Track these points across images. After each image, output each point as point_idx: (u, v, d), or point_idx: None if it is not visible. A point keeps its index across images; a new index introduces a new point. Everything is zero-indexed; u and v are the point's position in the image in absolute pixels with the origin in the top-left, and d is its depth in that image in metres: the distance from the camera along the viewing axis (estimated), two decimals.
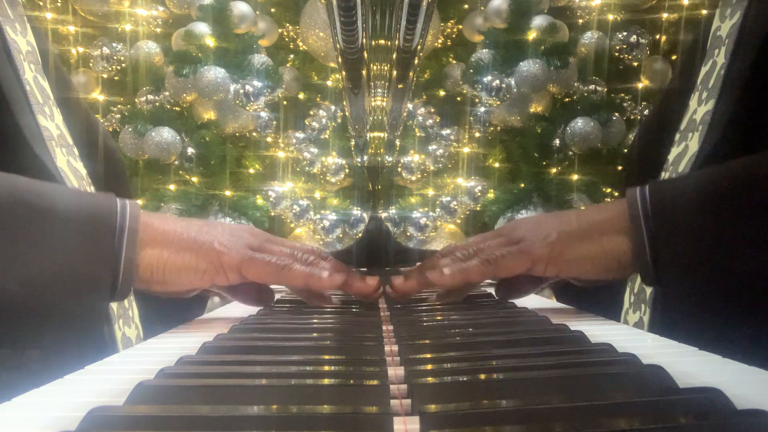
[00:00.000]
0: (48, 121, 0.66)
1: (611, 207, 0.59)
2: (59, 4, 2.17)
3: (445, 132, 2.23)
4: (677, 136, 0.70)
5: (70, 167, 0.68)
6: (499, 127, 2.24)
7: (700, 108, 0.67)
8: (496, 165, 2.23)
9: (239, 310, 0.70)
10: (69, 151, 0.69)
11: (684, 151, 0.68)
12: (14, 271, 0.45)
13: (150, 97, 2.14)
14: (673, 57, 2.23)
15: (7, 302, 0.44)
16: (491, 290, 0.78)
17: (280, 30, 2.27)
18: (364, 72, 0.70)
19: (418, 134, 2.25)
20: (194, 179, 2.14)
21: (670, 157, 0.71)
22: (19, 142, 0.61)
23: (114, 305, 0.68)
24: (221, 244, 0.57)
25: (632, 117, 2.19)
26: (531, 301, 0.73)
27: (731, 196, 0.51)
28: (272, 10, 2.26)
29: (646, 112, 2.16)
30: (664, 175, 0.71)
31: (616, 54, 2.22)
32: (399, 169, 2.22)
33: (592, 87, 2.18)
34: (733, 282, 0.51)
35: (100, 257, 0.50)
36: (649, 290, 0.68)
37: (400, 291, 0.65)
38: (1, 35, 0.63)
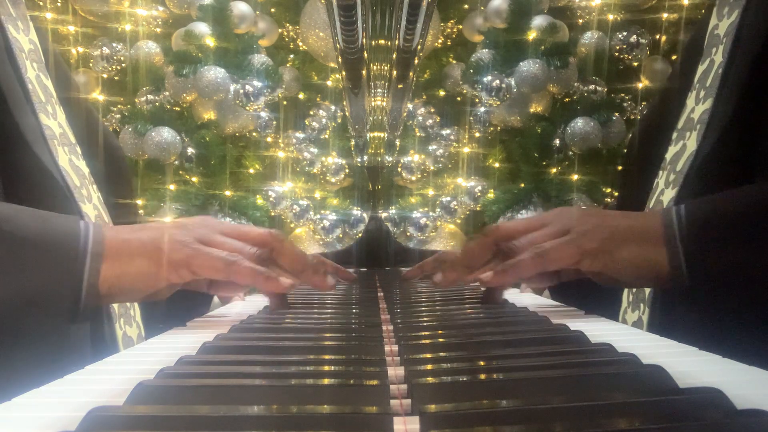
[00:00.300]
0: (50, 119, 0.66)
1: (652, 217, 0.60)
2: (59, 4, 2.17)
3: (445, 132, 2.23)
4: (674, 135, 0.70)
5: (72, 166, 0.68)
6: (499, 127, 2.24)
7: (697, 107, 0.67)
8: (496, 165, 2.23)
9: (239, 310, 0.70)
10: (71, 149, 0.69)
11: (682, 150, 0.68)
12: None
13: (150, 97, 2.14)
14: (673, 57, 2.23)
15: None
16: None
17: (280, 30, 2.27)
18: (364, 72, 0.70)
19: (418, 134, 2.25)
20: (194, 179, 2.14)
21: (668, 156, 0.71)
22: (18, 141, 0.61)
23: (115, 305, 0.68)
24: (169, 242, 0.56)
25: (632, 117, 2.19)
26: (531, 300, 0.73)
27: (760, 219, 0.53)
28: (272, 10, 2.27)
29: (645, 112, 2.16)
30: (662, 173, 0.71)
31: (616, 54, 2.23)
32: (399, 169, 2.22)
33: (592, 87, 2.18)
34: (759, 297, 0.53)
35: (62, 281, 0.51)
36: (648, 290, 0.68)
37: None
38: (3, 34, 0.63)
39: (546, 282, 0.69)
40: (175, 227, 0.58)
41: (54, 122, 0.67)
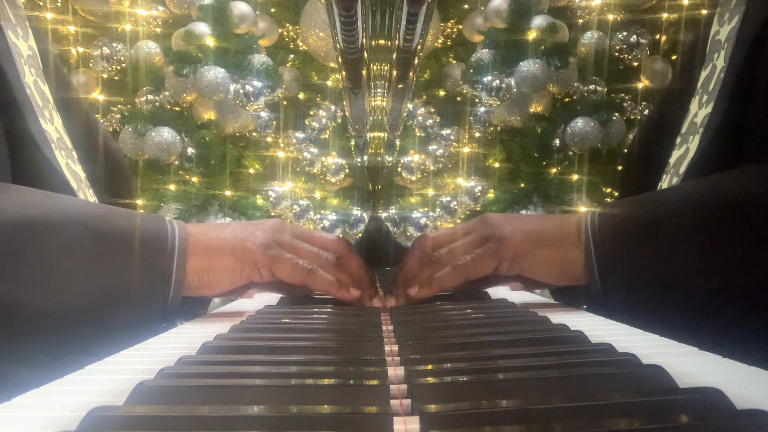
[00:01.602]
0: (48, 124, 0.67)
1: (571, 220, 0.64)
2: (59, 4, 2.17)
3: (445, 132, 2.23)
4: (678, 140, 0.71)
5: (69, 170, 0.69)
6: (499, 127, 2.24)
7: (700, 111, 0.67)
8: (496, 165, 2.23)
9: (239, 310, 0.70)
10: (68, 154, 0.70)
11: (685, 154, 0.69)
12: (82, 288, 0.52)
13: (150, 97, 2.14)
14: (673, 57, 2.23)
15: (75, 314, 0.51)
16: (490, 290, 0.78)
17: (280, 30, 2.27)
18: (364, 72, 0.70)
19: (418, 134, 2.25)
20: (194, 179, 2.14)
21: (671, 160, 0.71)
22: (31, 144, 0.64)
23: None
24: (254, 244, 0.61)
25: (632, 117, 2.19)
26: (531, 300, 0.73)
27: (663, 223, 0.57)
28: (272, 10, 2.26)
29: (646, 112, 2.16)
30: (666, 177, 0.72)
31: (616, 54, 2.22)
32: (399, 169, 2.22)
33: (592, 87, 2.18)
34: (671, 300, 0.55)
35: (155, 276, 0.57)
36: None
37: (400, 304, 0.67)
38: (3, 39, 0.64)
39: (491, 285, 0.73)
40: (256, 229, 0.63)
41: (51, 127, 0.68)
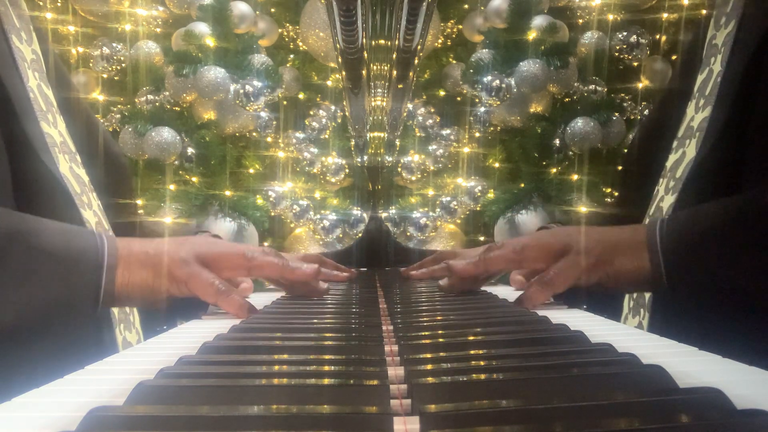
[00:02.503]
0: (51, 128, 0.67)
1: (640, 230, 0.66)
2: (59, 4, 2.17)
3: (445, 132, 2.23)
4: (675, 144, 0.71)
5: (73, 173, 0.69)
6: (499, 127, 2.24)
7: (697, 115, 0.68)
8: (496, 165, 2.23)
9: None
10: (71, 157, 0.70)
11: (681, 158, 0.69)
12: (10, 300, 0.52)
13: (150, 97, 2.14)
14: (673, 57, 2.23)
15: (4, 326, 0.52)
16: (491, 290, 0.78)
17: (280, 30, 2.27)
18: (364, 72, 0.70)
19: (418, 134, 2.25)
20: (194, 179, 2.14)
21: (668, 164, 0.72)
22: (27, 149, 0.64)
23: (115, 310, 0.69)
24: (174, 260, 0.63)
25: (632, 117, 2.19)
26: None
27: (729, 232, 0.59)
28: (272, 10, 2.26)
29: (646, 112, 2.16)
30: (663, 181, 0.72)
31: (616, 54, 2.22)
32: (399, 169, 2.22)
33: (592, 87, 2.18)
34: (734, 302, 0.58)
35: (84, 290, 0.59)
36: (648, 294, 0.69)
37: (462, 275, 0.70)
38: (7, 45, 0.65)
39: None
40: (180, 245, 0.64)
41: (54, 131, 0.68)
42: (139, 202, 2.04)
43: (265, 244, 2.17)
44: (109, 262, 0.60)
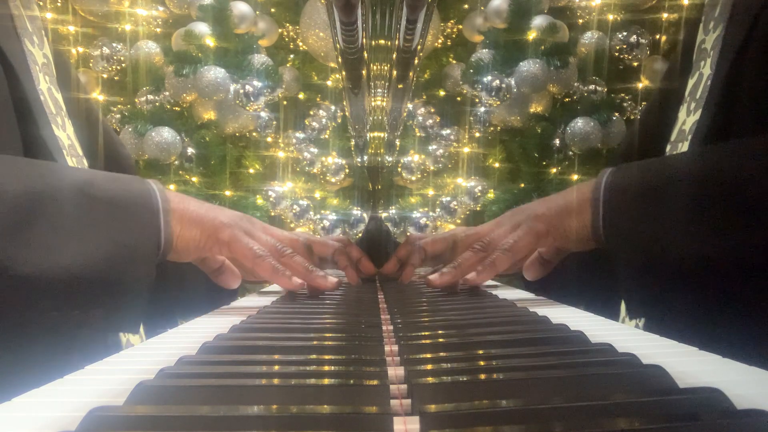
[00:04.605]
0: (60, 131, 0.68)
1: (587, 186, 0.69)
2: (59, 4, 2.17)
3: (445, 132, 2.23)
4: (668, 147, 0.72)
5: None
6: (499, 127, 2.24)
7: (689, 119, 0.69)
8: (496, 165, 2.23)
9: (239, 309, 0.70)
10: (79, 161, 0.71)
11: None
12: (78, 248, 0.55)
13: (150, 97, 2.14)
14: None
15: (73, 273, 0.54)
16: (492, 292, 0.78)
17: (280, 30, 2.27)
18: (364, 72, 0.70)
19: (418, 134, 2.25)
20: (194, 179, 2.14)
21: None
22: (43, 152, 0.65)
23: None
24: (221, 223, 0.67)
25: (632, 117, 2.19)
26: (530, 299, 0.73)
27: (666, 189, 0.60)
28: (272, 10, 2.26)
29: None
30: None
31: (616, 54, 2.22)
32: (399, 169, 2.22)
33: (592, 87, 2.18)
34: (671, 262, 0.58)
35: (145, 233, 0.61)
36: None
37: (437, 286, 0.72)
38: (20, 47, 0.65)
39: (541, 271, 0.78)
40: (225, 210, 0.69)
41: (63, 134, 0.69)
42: None
43: None
44: (164, 206, 0.63)
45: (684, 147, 0.68)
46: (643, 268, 0.61)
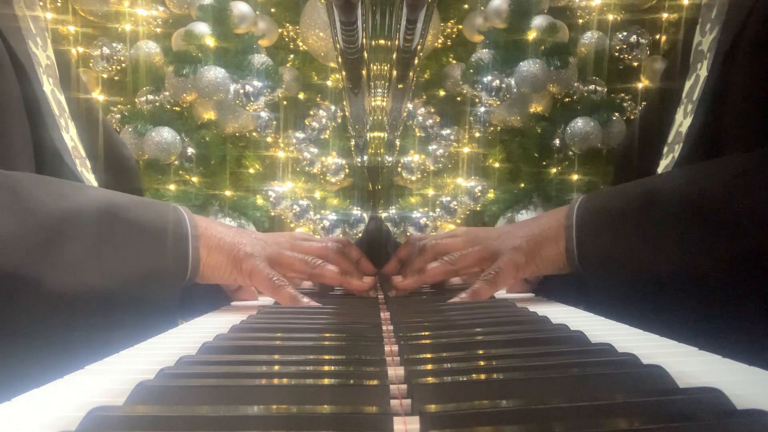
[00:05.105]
0: (64, 133, 0.69)
1: (562, 211, 0.71)
2: (59, 4, 2.17)
3: (445, 132, 2.23)
4: (665, 149, 0.72)
5: (83, 179, 0.70)
6: (499, 127, 2.23)
7: (685, 121, 0.69)
8: (496, 165, 2.23)
9: (239, 309, 0.70)
10: (82, 162, 0.72)
11: (671, 163, 0.70)
12: (107, 270, 0.57)
13: (150, 97, 2.14)
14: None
15: (99, 294, 0.56)
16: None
17: (280, 30, 2.27)
18: (364, 72, 0.70)
19: (418, 134, 2.25)
20: (194, 179, 2.14)
21: (660, 170, 0.73)
22: (54, 154, 0.67)
23: None
24: (245, 254, 0.68)
25: (632, 117, 2.19)
26: (530, 299, 0.73)
27: (636, 212, 0.62)
28: (272, 10, 2.26)
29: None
30: None
31: (616, 54, 2.22)
32: (399, 169, 2.22)
33: (592, 87, 2.18)
34: (645, 280, 0.60)
35: (174, 259, 0.64)
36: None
37: (398, 290, 0.75)
38: (25, 49, 0.66)
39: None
40: (249, 238, 0.70)
41: (67, 136, 0.70)
42: None
43: None
44: (192, 233, 0.65)
45: (680, 149, 0.69)
46: (618, 292, 0.63)
